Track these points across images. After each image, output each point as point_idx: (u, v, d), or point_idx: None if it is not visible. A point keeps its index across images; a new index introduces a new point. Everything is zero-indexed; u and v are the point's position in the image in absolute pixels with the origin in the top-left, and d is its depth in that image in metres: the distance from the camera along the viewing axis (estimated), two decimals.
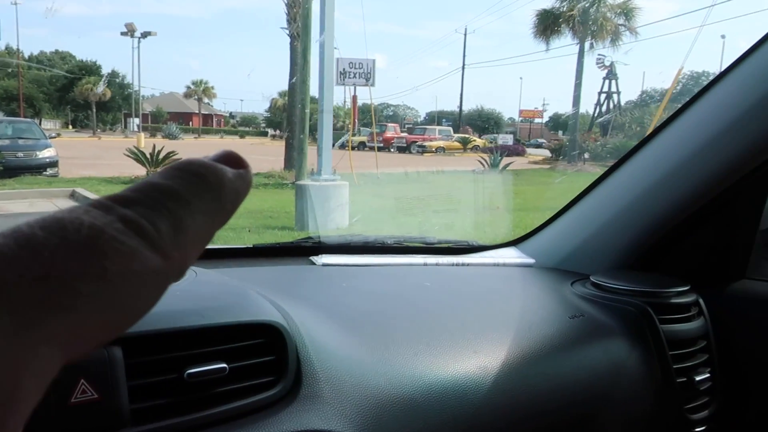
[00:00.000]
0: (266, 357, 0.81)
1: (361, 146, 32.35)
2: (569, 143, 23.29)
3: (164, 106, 54.65)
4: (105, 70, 51.63)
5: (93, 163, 16.30)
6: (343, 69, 11.64)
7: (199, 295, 0.87)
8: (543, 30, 23.95)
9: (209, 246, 1.18)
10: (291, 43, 14.93)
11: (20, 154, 13.43)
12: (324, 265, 1.35)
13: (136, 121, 47.36)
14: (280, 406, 0.78)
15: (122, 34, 35.13)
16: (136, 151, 12.67)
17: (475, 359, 0.99)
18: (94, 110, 46.96)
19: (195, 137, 44.28)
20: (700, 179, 1.25)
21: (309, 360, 0.84)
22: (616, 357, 1.17)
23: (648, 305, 1.21)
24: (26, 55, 50.91)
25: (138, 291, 0.20)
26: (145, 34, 35.47)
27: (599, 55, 24.91)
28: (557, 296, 1.30)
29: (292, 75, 14.85)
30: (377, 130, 36.23)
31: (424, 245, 1.56)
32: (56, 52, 56.07)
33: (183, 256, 0.22)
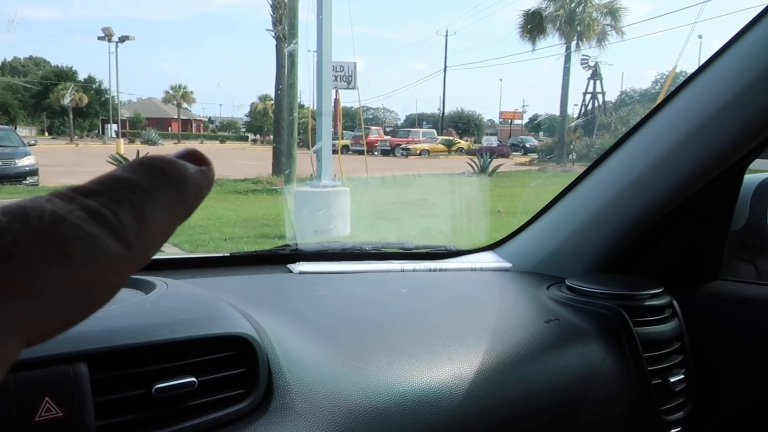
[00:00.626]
0: (237, 369, 0.80)
1: (345, 150, 32.61)
2: (558, 144, 23.28)
3: (142, 111, 54.13)
4: (81, 76, 51.04)
5: (72, 170, 15.98)
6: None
7: (168, 308, 0.86)
8: (529, 30, 24.01)
9: (187, 255, 1.16)
10: (277, 46, 14.48)
11: None
12: (301, 272, 1.35)
13: (114, 127, 46.79)
14: (251, 419, 0.78)
15: (99, 38, 34.53)
16: (119, 157, 12.49)
17: (449, 366, 0.99)
18: (71, 116, 46.37)
19: (175, 143, 43.87)
20: (673, 181, 1.26)
21: (281, 371, 0.83)
22: (591, 360, 1.17)
23: (622, 308, 1.22)
24: None
25: (100, 278, 0.21)
26: (122, 39, 34.96)
27: (584, 55, 25.05)
28: (533, 300, 1.30)
29: (278, 78, 14.44)
30: (358, 133, 36.12)
31: (402, 251, 1.55)
32: (30, 58, 55.35)
33: (145, 246, 0.22)
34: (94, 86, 49.27)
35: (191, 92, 50.97)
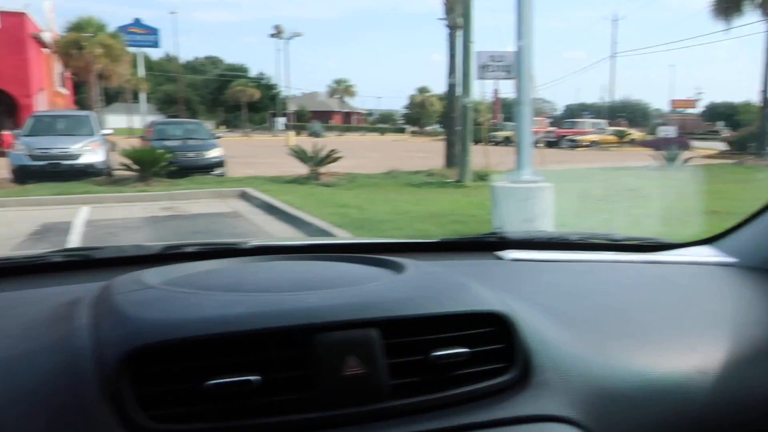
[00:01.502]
0: (496, 344, 0.85)
1: (507, 141, 30.77)
2: (758, 134, 20.58)
3: (306, 105, 56.91)
4: (252, 73, 54.47)
5: (251, 161, 16.98)
6: (484, 63, 10.88)
7: (429, 285, 0.94)
8: (724, 9, 21.68)
9: (400, 240, 1.26)
10: (449, 35, 13.95)
11: (191, 154, 13.85)
12: (513, 260, 1.37)
13: (282, 120, 49.55)
14: (514, 391, 0.83)
15: (271, 35, 36.34)
16: (298, 150, 12.87)
17: (693, 357, 0.98)
18: (246, 111, 49.74)
19: (338, 135, 45.43)
20: None
21: (535, 350, 0.87)
22: None
23: None
24: (182, 61, 54.68)
25: None
26: (292, 36, 36.62)
27: None
28: None
29: (451, 68, 13.80)
30: None
31: (610, 242, 1.52)
32: (207, 57, 60.15)
33: None
34: (263, 81, 52.45)
35: (353, 86, 52.70)
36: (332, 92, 54.57)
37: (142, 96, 39.52)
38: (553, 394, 0.83)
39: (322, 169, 12.44)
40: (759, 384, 1.00)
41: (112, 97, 43.21)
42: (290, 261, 1.13)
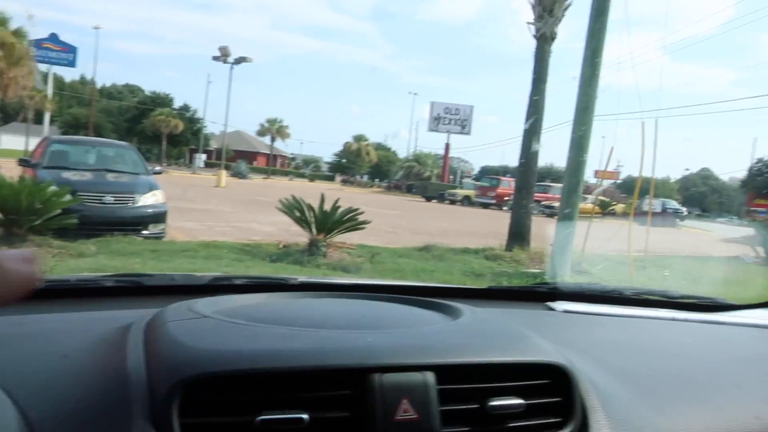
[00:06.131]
0: (554, 397, 0.82)
1: (466, 201, 30.09)
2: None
3: (229, 143, 55.53)
4: (176, 104, 52.80)
5: (183, 207, 12.09)
6: (437, 114, 10.70)
7: (485, 332, 0.92)
8: None
9: (445, 285, 1.19)
10: (538, 49, 9.79)
11: (108, 199, 7.92)
12: (565, 311, 1.33)
13: (203, 157, 47.77)
14: None
15: (215, 58, 33.26)
16: (296, 205, 7.35)
17: (757, 425, 0.93)
18: (165, 143, 47.61)
19: (264, 177, 43.23)
20: None
21: (593, 405, 0.84)
22: None
23: None
24: (98, 87, 52.44)
25: None
26: (239, 60, 33.67)
27: None
28: None
29: (536, 93, 9.57)
30: (485, 183, 32.09)
31: (665, 299, 1.48)
32: (126, 85, 58.34)
33: None
34: (188, 114, 50.86)
35: (286, 127, 51.29)
36: (263, 132, 53.35)
37: (47, 116, 34.54)
38: None
39: (335, 238, 7.41)
40: None
41: (10, 116, 39.63)
42: (342, 299, 1.10)
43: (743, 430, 0.92)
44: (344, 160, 55.34)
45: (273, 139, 51.35)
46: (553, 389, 0.83)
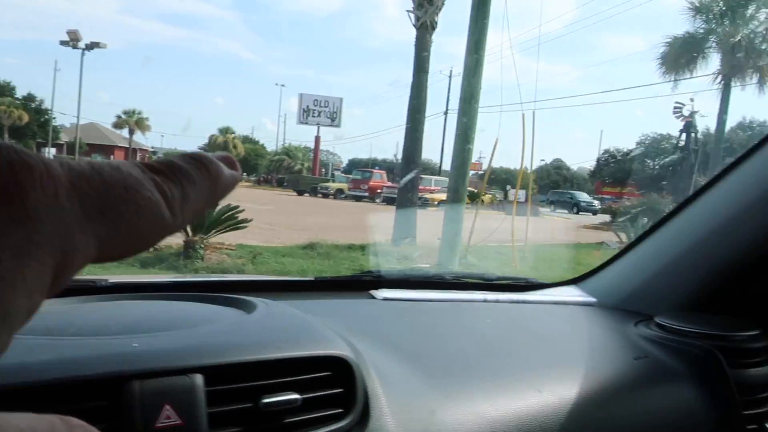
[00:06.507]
0: (335, 389, 0.83)
1: (339, 194, 29.34)
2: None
3: (83, 137, 51.79)
4: (20, 93, 48.37)
5: None
6: (307, 106, 10.52)
7: (272, 327, 0.91)
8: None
9: (273, 278, 1.14)
10: (419, 38, 9.74)
11: None
12: (384, 299, 1.36)
13: (53, 151, 44.38)
14: None
15: (63, 43, 30.76)
16: None
17: (538, 399, 0.98)
18: (6, 136, 43.55)
19: None
20: None
21: (376, 394, 0.85)
22: (682, 401, 1.15)
23: (716, 348, 1.19)
24: None
25: (149, 230, 0.28)
26: (91, 46, 31.51)
27: (677, 103, 20.62)
28: (620, 337, 1.28)
29: (415, 93, 9.36)
30: (357, 176, 31.73)
31: (483, 281, 1.55)
32: None
33: (184, 219, 0.29)
34: (34, 105, 46.88)
35: (146, 118, 48.20)
36: (120, 124, 49.86)
37: None
38: None
39: (214, 239, 7.09)
40: (604, 423, 1.02)
41: None
42: (144, 301, 1.06)
43: (526, 404, 0.96)
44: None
45: (132, 132, 48.15)
46: (337, 381, 0.83)
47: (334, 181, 34.61)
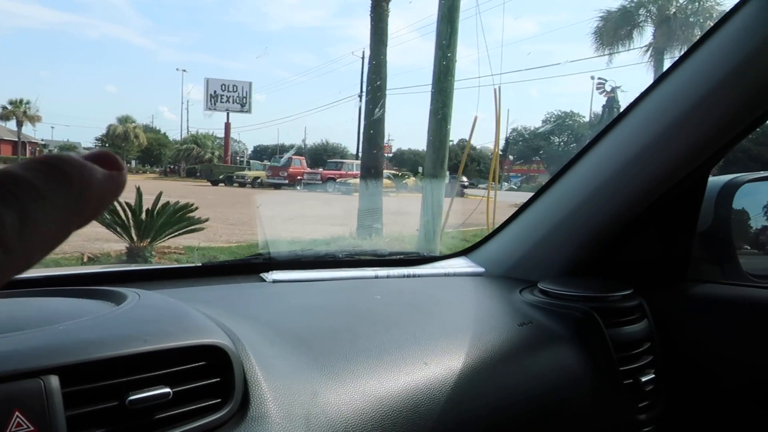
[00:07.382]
0: (211, 379, 0.79)
1: (256, 183, 28.27)
2: None
3: None
4: None
5: None
6: (214, 92, 9.75)
7: (140, 319, 0.85)
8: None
9: (158, 267, 1.09)
10: (375, 8, 8.68)
11: None
12: (274, 281, 1.33)
13: None
14: (227, 428, 0.77)
15: None
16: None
17: (425, 371, 0.99)
18: None
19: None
20: (639, 185, 1.30)
21: (256, 380, 0.82)
22: (564, 362, 1.19)
23: (593, 309, 1.25)
24: None
25: None
26: None
27: (600, 79, 21.59)
28: (506, 304, 1.32)
29: (375, 70, 8.45)
30: (275, 163, 30.98)
31: (376, 257, 1.56)
32: None
33: (27, 250, 0.20)
34: None
35: (37, 110, 45.05)
36: (5, 115, 46.35)
37: None
38: (270, 427, 0.79)
39: (163, 243, 6.23)
40: (490, 390, 1.04)
41: None
42: (6, 299, 0.96)
43: (413, 378, 0.96)
44: (108, 145, 51.16)
45: (20, 124, 44.96)
46: (213, 370, 0.80)
47: (250, 169, 33.80)
